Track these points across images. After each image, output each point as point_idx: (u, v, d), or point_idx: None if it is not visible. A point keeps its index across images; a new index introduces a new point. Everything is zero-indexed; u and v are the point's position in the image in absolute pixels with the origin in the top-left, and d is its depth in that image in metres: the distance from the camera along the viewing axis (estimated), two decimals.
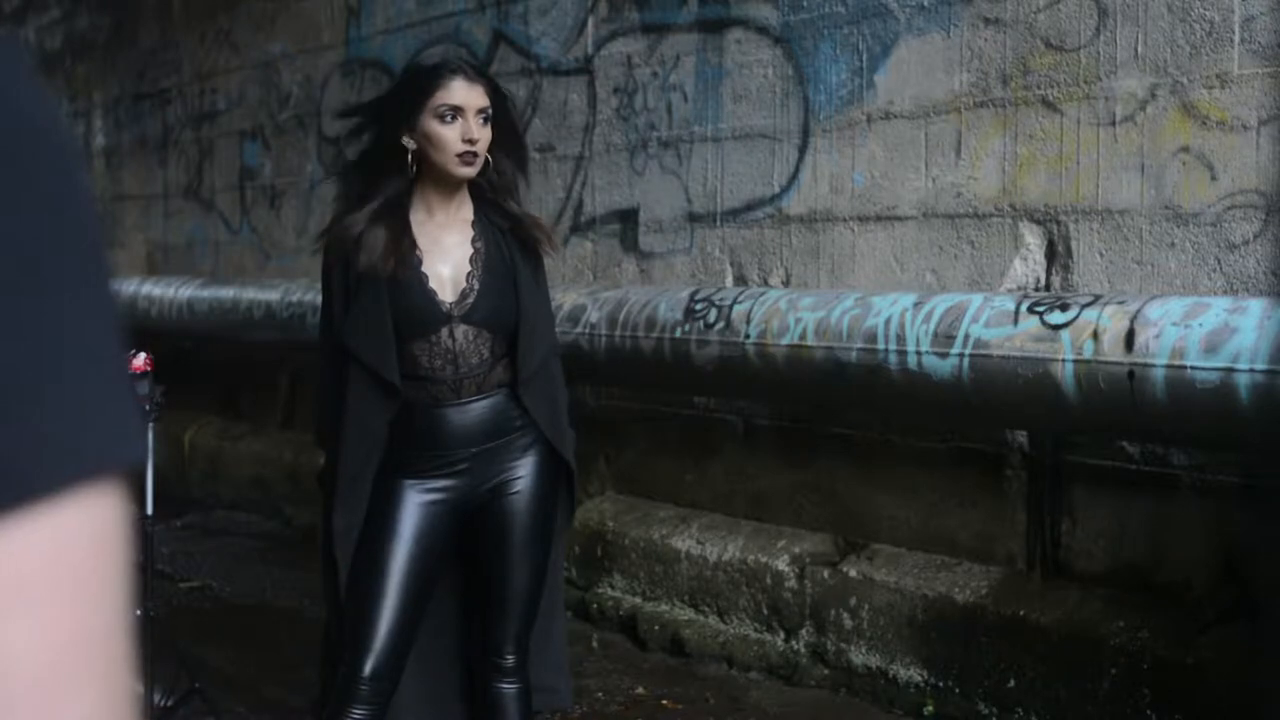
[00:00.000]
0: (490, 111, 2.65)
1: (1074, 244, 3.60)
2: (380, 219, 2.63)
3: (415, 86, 2.64)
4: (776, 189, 4.39)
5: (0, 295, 0.41)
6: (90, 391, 0.43)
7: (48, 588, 0.41)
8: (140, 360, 3.42)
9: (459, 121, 2.60)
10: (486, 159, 2.67)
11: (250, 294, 6.28)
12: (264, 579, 5.41)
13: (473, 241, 2.70)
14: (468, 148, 2.61)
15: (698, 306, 4.04)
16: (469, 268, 2.67)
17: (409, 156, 2.64)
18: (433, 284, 2.64)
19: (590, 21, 5.02)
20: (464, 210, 2.72)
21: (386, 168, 2.67)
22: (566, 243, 5.04)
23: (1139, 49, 3.45)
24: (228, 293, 6.48)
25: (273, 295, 6.07)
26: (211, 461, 7.11)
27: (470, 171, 2.64)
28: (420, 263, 2.64)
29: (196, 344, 6.94)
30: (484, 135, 2.64)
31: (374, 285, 2.60)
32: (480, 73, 2.73)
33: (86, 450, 0.42)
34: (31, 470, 0.41)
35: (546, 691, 2.89)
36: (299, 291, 5.88)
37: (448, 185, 2.68)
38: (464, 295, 2.65)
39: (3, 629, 0.40)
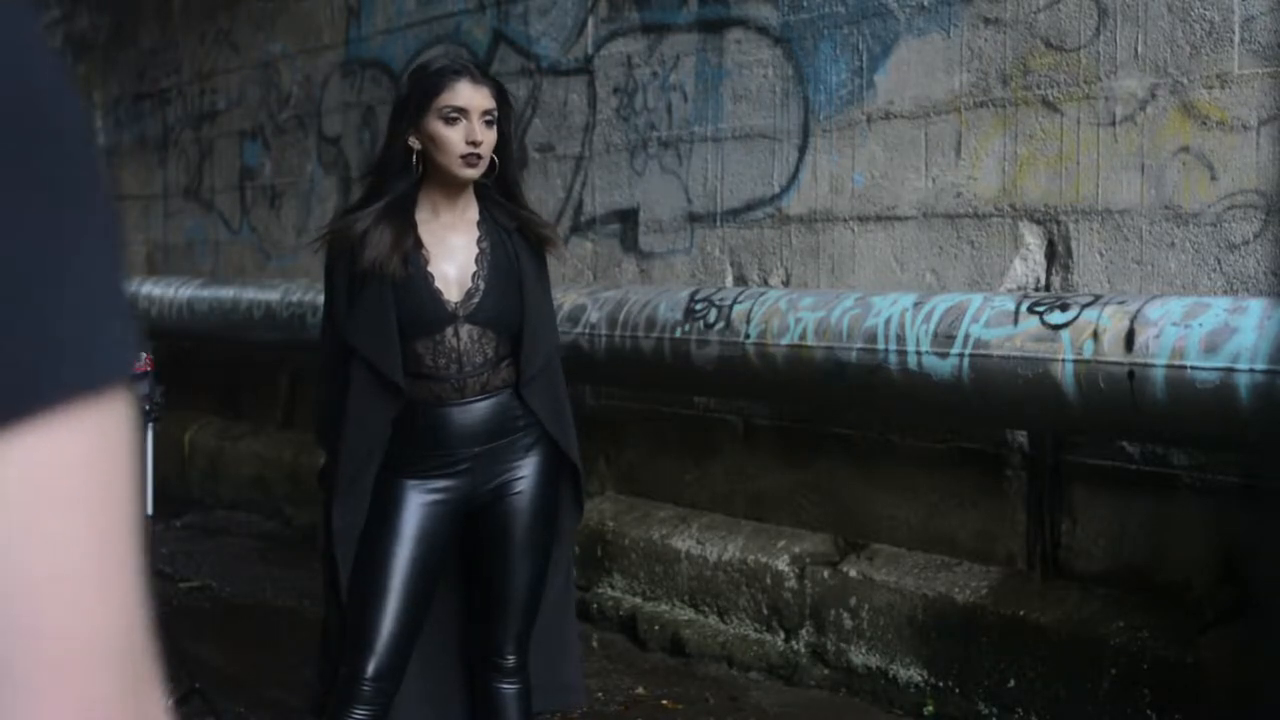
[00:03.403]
0: (495, 114, 2.66)
1: (1074, 244, 3.60)
2: (385, 218, 2.63)
3: (421, 88, 2.64)
4: (776, 189, 4.39)
5: (12, 211, 0.42)
6: (99, 305, 0.45)
7: (72, 491, 0.43)
8: (140, 360, 3.42)
9: (463, 123, 2.61)
10: (492, 160, 2.67)
11: (250, 294, 6.28)
12: (264, 579, 5.41)
13: (478, 242, 2.70)
14: (471, 150, 2.61)
15: (698, 306, 4.04)
16: (474, 268, 2.68)
17: (414, 156, 2.65)
18: (438, 283, 2.65)
19: (590, 21, 5.02)
20: (469, 210, 2.73)
21: (392, 167, 2.68)
22: (566, 243, 5.03)
23: (1139, 49, 3.45)
24: (228, 293, 6.48)
25: (273, 295, 6.07)
26: (211, 461, 7.11)
27: (474, 173, 2.65)
28: (426, 262, 2.65)
29: (196, 344, 6.94)
30: (488, 137, 2.64)
31: (378, 284, 2.61)
32: (486, 75, 2.73)
33: (99, 359, 0.44)
34: (49, 377, 0.42)
35: (562, 689, 2.89)
36: (299, 291, 5.88)
37: (453, 186, 2.68)
38: (469, 295, 2.66)
39: (32, 531, 0.42)
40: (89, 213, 0.45)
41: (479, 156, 2.63)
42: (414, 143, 2.65)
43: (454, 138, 2.61)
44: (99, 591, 0.44)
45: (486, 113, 2.64)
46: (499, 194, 2.76)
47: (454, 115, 2.61)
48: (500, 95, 2.69)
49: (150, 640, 0.47)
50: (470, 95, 2.62)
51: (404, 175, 2.67)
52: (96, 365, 0.44)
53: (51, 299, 0.43)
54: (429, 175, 2.67)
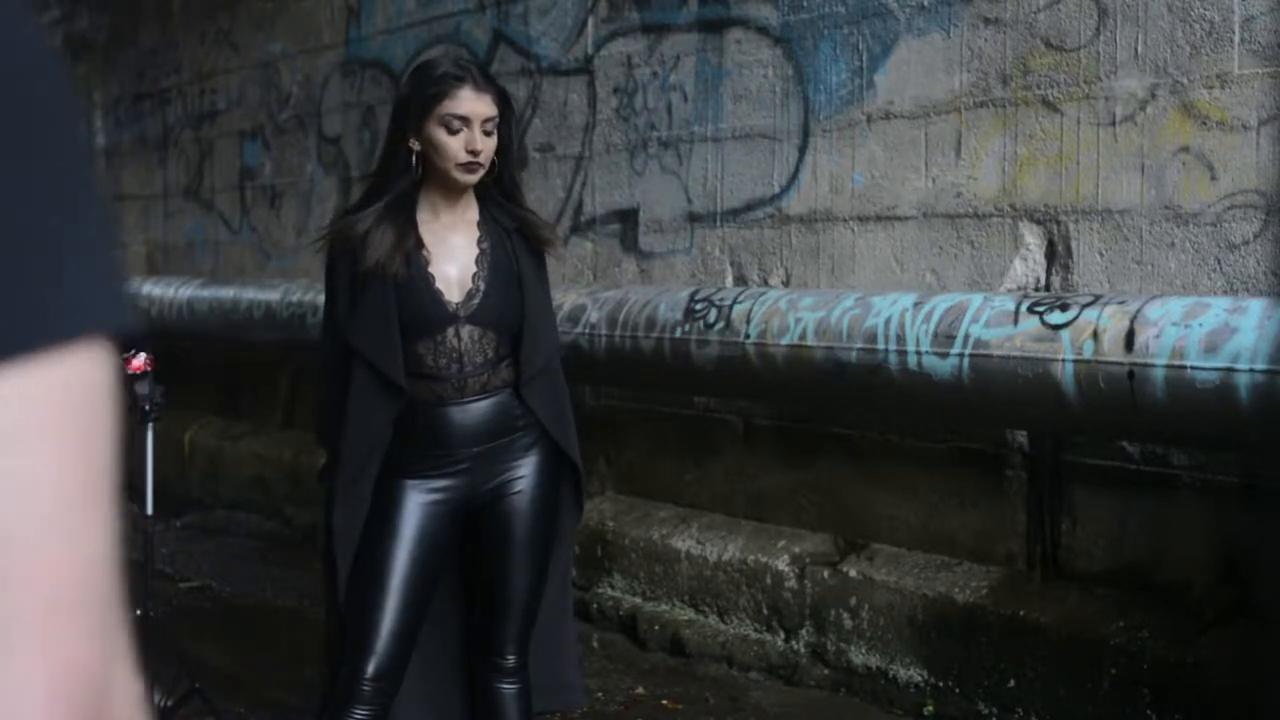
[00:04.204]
0: (497, 120, 2.66)
1: (1074, 244, 3.60)
2: (386, 218, 2.64)
3: (423, 92, 2.64)
4: (776, 189, 4.39)
5: (8, 160, 0.45)
6: (80, 258, 0.47)
7: (41, 432, 0.44)
8: (140, 360, 3.42)
9: (464, 132, 2.61)
10: (492, 161, 2.67)
11: (250, 294, 6.28)
12: (264, 579, 5.41)
13: (478, 242, 2.71)
14: (470, 158, 2.61)
15: (698, 306, 4.04)
16: (475, 268, 2.68)
17: (414, 158, 2.65)
18: (439, 284, 2.65)
19: (590, 21, 5.02)
20: (470, 211, 2.73)
21: (393, 168, 2.68)
22: (566, 243, 5.03)
23: (1139, 49, 3.45)
24: (228, 293, 6.48)
25: (273, 295, 6.07)
26: (211, 461, 7.11)
27: (472, 179, 2.66)
28: (427, 263, 2.65)
29: (196, 344, 6.94)
30: (488, 145, 2.64)
31: (380, 284, 2.61)
32: (488, 79, 2.72)
33: (78, 308, 0.46)
34: (21, 321, 0.44)
35: (561, 689, 2.89)
36: (299, 291, 5.88)
37: (453, 188, 2.69)
38: (470, 296, 2.66)
39: (19, 462, 0.43)
40: (70, 173, 0.47)
41: (478, 164, 2.64)
42: (414, 144, 2.65)
43: (454, 145, 2.61)
44: (68, 536, 0.44)
45: (488, 120, 2.64)
46: (499, 194, 2.76)
47: (455, 123, 2.61)
48: (502, 100, 2.69)
49: (118, 585, 0.47)
50: (473, 104, 2.62)
51: (404, 176, 2.67)
52: (75, 313, 0.45)
53: (28, 248, 0.44)
54: (429, 177, 2.68)
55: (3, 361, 0.43)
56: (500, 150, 2.70)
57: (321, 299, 2.99)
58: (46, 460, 0.44)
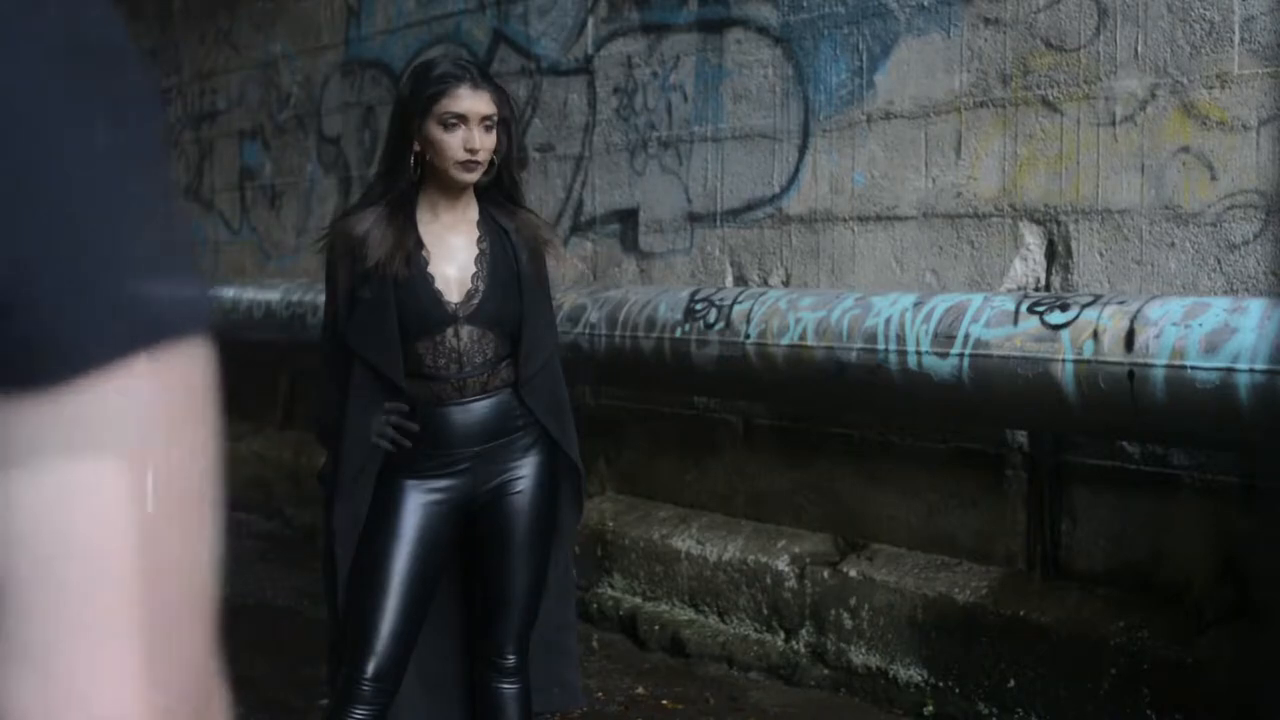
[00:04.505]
0: (496, 118, 2.65)
1: (1074, 244, 3.60)
2: (386, 219, 2.64)
3: (421, 92, 2.64)
4: (776, 189, 4.39)
5: (115, 178, 0.46)
6: (182, 259, 0.49)
7: (191, 418, 0.48)
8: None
9: (462, 129, 2.61)
10: (492, 161, 2.67)
11: (250, 294, 6.28)
12: (264, 579, 5.40)
13: (478, 242, 2.71)
14: (469, 156, 2.61)
15: (698, 306, 4.04)
16: (474, 268, 2.68)
17: (413, 158, 2.65)
18: (438, 284, 2.65)
19: (590, 21, 5.02)
20: (470, 211, 2.73)
21: (393, 169, 2.68)
22: (566, 243, 5.03)
23: (1139, 49, 3.45)
24: (228, 293, 6.48)
25: (273, 295, 6.07)
26: None
27: (471, 178, 2.66)
28: (426, 263, 2.65)
29: None
30: (487, 143, 2.64)
31: (379, 285, 2.61)
32: (487, 78, 2.73)
33: (168, 312, 0.48)
34: (120, 328, 0.45)
35: (561, 688, 2.89)
36: (299, 291, 5.88)
37: (452, 188, 2.69)
38: (469, 296, 2.66)
39: (169, 450, 0.46)
40: (154, 172, 0.48)
41: (477, 163, 2.64)
42: (415, 145, 2.65)
43: (452, 144, 2.61)
44: (173, 539, 0.46)
45: (486, 118, 2.64)
46: (499, 194, 2.76)
47: (453, 121, 2.61)
48: (501, 99, 2.69)
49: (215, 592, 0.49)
50: (470, 102, 2.62)
51: (405, 176, 2.67)
52: (165, 319, 0.47)
53: (124, 259, 0.46)
54: (429, 177, 2.68)
55: (116, 360, 0.44)
56: (499, 150, 2.70)
57: (322, 299, 2.99)
58: (157, 460, 0.45)
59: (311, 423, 2.86)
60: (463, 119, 2.61)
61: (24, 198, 0.44)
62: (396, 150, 2.68)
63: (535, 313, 2.73)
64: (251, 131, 7.16)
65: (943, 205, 3.91)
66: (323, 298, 2.86)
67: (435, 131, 2.61)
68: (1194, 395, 2.85)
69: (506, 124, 2.71)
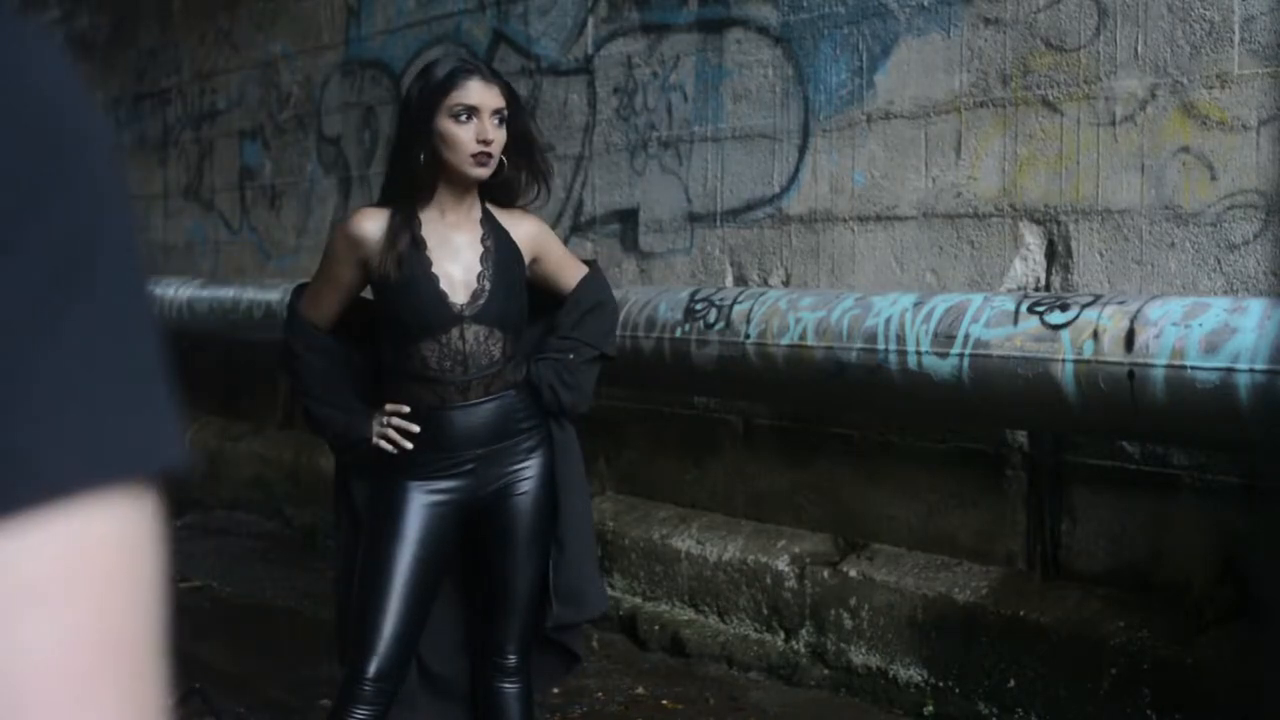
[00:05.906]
0: (505, 113, 2.65)
1: (1074, 244, 3.60)
2: (393, 218, 2.64)
3: (431, 86, 2.63)
4: (776, 189, 4.39)
5: (28, 292, 0.39)
6: (120, 392, 0.41)
7: (66, 590, 0.39)
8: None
9: (474, 122, 2.59)
10: (501, 160, 2.66)
11: (250, 294, 6.28)
12: (264, 579, 5.41)
13: (482, 240, 2.70)
14: (482, 148, 2.60)
15: (698, 306, 4.04)
16: (479, 267, 2.68)
17: (422, 156, 2.64)
18: (443, 284, 2.64)
19: (590, 21, 5.02)
20: (474, 210, 2.73)
21: (402, 167, 2.67)
22: (567, 243, 5.03)
23: (1139, 49, 3.45)
24: (228, 293, 6.48)
25: (273, 295, 6.07)
26: (211, 461, 7.11)
27: (484, 172, 2.64)
28: (430, 263, 2.65)
29: (196, 344, 6.93)
30: (499, 136, 2.63)
31: (380, 288, 2.67)
32: (495, 74, 2.72)
33: (111, 451, 0.41)
34: (52, 469, 0.39)
35: (584, 598, 2.81)
36: None
37: (461, 185, 2.67)
38: (475, 295, 2.66)
39: (16, 629, 0.38)
40: (118, 287, 0.42)
41: (489, 155, 2.62)
42: (424, 142, 2.65)
43: (465, 136, 2.59)
44: (92, 698, 0.39)
45: (497, 111, 2.62)
46: (499, 194, 2.76)
47: (465, 114, 2.60)
48: (510, 95, 2.69)
49: None
50: (481, 94, 2.61)
51: (413, 174, 2.66)
52: (110, 458, 0.40)
53: (64, 387, 0.39)
54: (439, 175, 2.66)
55: (32, 505, 0.38)
56: (510, 146, 2.69)
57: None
58: (81, 614, 0.39)
59: (306, 420, 2.87)
60: (474, 111, 2.59)
61: None
62: (405, 150, 2.67)
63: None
64: (251, 131, 7.16)
65: (943, 205, 3.91)
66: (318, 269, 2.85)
67: (447, 125, 2.59)
68: (1194, 395, 2.85)
69: (515, 120, 2.70)
